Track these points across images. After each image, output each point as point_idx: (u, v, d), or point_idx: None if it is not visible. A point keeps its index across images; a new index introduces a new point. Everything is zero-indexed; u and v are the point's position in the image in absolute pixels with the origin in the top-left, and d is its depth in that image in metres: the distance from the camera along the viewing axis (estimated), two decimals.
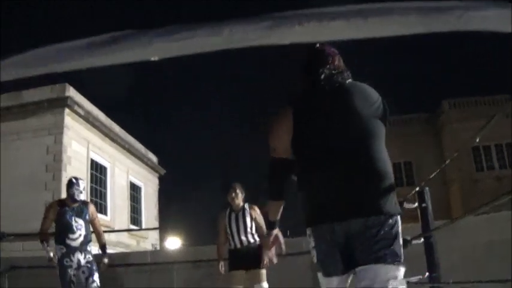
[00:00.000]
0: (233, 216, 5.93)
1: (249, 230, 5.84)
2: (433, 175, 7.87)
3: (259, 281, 5.68)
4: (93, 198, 17.56)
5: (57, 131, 15.99)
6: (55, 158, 15.83)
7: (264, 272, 5.73)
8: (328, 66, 2.57)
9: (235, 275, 5.77)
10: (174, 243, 22.58)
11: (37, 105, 16.18)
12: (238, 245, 5.84)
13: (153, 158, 24.10)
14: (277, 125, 2.64)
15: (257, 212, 5.92)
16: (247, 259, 5.74)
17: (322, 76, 2.55)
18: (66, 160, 15.97)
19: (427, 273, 4.51)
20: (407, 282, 3.16)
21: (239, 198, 5.93)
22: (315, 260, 2.52)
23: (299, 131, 2.53)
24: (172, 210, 29.93)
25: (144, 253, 12.38)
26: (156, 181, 24.72)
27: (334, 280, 2.47)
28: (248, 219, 5.87)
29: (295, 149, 2.57)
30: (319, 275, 2.54)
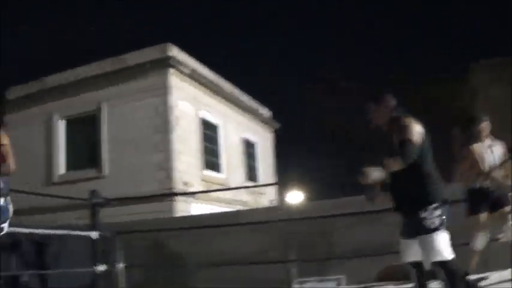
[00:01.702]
0: None
1: None
2: None
3: None
4: (207, 157, 17.47)
5: (163, 91, 15.89)
6: (163, 119, 15.77)
7: None
8: None
9: None
10: (294, 197, 22.12)
11: (141, 67, 16.14)
12: None
13: (266, 113, 23.64)
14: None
15: None
16: None
17: None
18: (175, 120, 15.87)
19: None
20: None
21: None
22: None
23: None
24: (289, 164, 29.39)
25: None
26: (271, 135, 24.29)
27: None
28: None
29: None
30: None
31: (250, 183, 20.41)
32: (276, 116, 24.68)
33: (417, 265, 3.81)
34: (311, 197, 20.87)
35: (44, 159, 17.53)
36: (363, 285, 6.36)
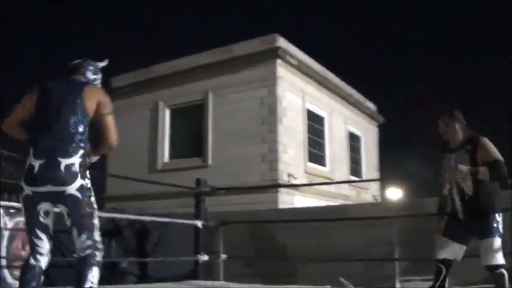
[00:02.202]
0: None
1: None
2: None
3: None
4: (312, 150, 17.26)
5: (271, 82, 15.80)
6: (270, 110, 15.69)
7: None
8: None
9: None
10: (395, 194, 21.59)
11: (248, 57, 16.12)
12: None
13: (372, 106, 23.04)
14: None
15: None
16: None
17: None
18: (282, 112, 15.74)
19: None
20: None
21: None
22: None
23: None
24: (394, 159, 28.57)
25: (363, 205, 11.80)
26: (376, 130, 23.67)
27: None
28: None
29: None
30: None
31: (354, 178, 20.02)
32: (382, 110, 24.06)
33: (449, 264, 4.35)
34: (409, 195, 20.31)
35: (149, 147, 17.99)
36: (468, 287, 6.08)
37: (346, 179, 19.08)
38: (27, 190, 3.10)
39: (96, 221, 3.21)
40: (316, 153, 17.59)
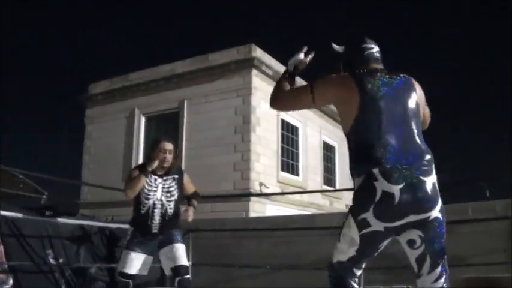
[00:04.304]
0: None
1: None
2: None
3: None
4: (285, 159, 17.46)
5: (245, 92, 16.00)
6: (244, 120, 15.89)
7: None
8: None
9: None
10: None
11: (224, 67, 16.35)
12: None
13: None
14: None
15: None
16: None
17: None
18: (255, 121, 15.95)
19: None
20: None
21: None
22: None
23: None
24: None
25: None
26: None
27: None
28: None
29: None
30: None
31: (327, 187, 20.23)
32: None
33: None
34: None
35: (124, 154, 18.10)
36: None
37: (319, 189, 19.28)
38: None
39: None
40: (289, 162, 17.80)
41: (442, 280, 2.43)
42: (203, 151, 15.94)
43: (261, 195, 15.23)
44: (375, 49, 2.81)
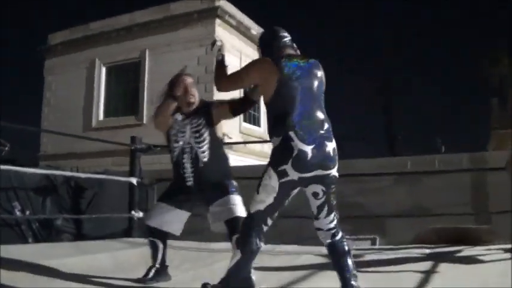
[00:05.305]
0: None
1: None
2: None
3: None
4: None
5: (208, 42, 15.82)
6: (206, 70, 15.78)
7: None
8: None
9: None
10: None
11: (187, 16, 16.13)
12: None
13: None
14: None
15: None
16: None
17: None
18: None
19: None
20: None
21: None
22: None
23: None
24: None
25: None
26: None
27: None
28: None
29: None
30: None
31: None
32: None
33: None
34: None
35: (84, 105, 17.87)
36: (396, 247, 6.31)
37: None
38: None
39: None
40: (251, 113, 17.86)
41: (335, 222, 3.08)
42: None
43: (224, 144, 15.25)
44: (288, 38, 3.40)
